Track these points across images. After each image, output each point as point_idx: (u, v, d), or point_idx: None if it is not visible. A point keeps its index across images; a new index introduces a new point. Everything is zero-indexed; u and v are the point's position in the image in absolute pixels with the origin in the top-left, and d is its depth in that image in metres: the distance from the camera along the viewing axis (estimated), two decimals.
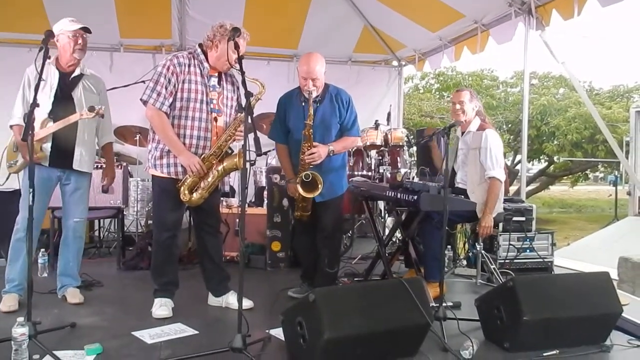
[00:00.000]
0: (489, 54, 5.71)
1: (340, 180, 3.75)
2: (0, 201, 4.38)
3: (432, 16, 5.97)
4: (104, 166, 3.89)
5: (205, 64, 3.29)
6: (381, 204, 5.99)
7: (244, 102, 2.82)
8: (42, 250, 4.23)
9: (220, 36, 3.20)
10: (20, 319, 2.53)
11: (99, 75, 3.75)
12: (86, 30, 3.44)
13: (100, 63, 6.45)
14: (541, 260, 4.46)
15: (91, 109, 3.31)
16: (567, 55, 5.14)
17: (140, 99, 3.23)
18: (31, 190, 2.70)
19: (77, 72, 3.52)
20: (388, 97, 7.44)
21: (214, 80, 3.32)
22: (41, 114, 3.36)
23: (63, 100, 3.42)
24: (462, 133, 4.07)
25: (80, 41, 3.43)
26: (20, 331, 2.48)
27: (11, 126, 3.46)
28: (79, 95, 3.50)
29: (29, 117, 2.74)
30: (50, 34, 3.17)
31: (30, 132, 2.72)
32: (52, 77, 3.43)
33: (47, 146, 3.41)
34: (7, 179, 3.70)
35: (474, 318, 3.08)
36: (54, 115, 3.37)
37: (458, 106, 3.98)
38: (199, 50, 3.31)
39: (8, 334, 2.51)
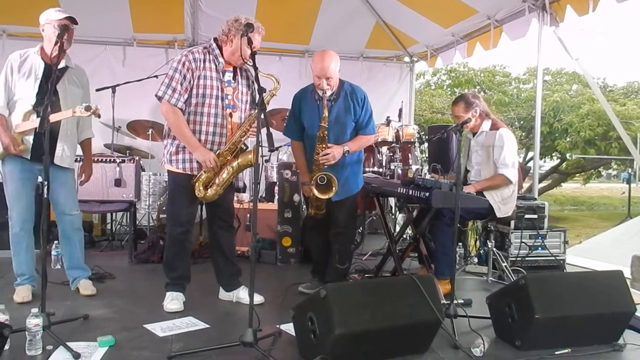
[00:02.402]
0: (502, 50, 5.67)
1: (356, 177, 3.74)
2: None
3: (444, 12, 5.93)
4: (82, 162, 3.75)
5: (220, 59, 3.29)
6: (392, 201, 5.99)
7: (257, 96, 2.82)
8: (56, 242, 4.28)
9: (235, 30, 3.19)
10: (35, 310, 2.57)
11: (82, 68, 3.67)
12: (72, 20, 3.32)
13: (112, 57, 6.53)
14: (553, 258, 4.44)
15: (87, 108, 3.14)
16: (581, 51, 5.08)
17: (156, 95, 3.24)
18: (45, 183, 2.72)
19: (62, 64, 3.39)
20: (399, 94, 7.42)
21: (228, 75, 3.32)
22: (25, 105, 3.32)
23: (49, 93, 3.21)
24: (474, 134, 4.03)
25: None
26: (34, 322, 2.52)
27: None
28: (63, 89, 3.41)
29: (45, 110, 2.75)
30: (65, 28, 3.19)
31: (46, 125, 2.72)
32: (37, 68, 3.35)
33: (29, 139, 3.34)
34: None
35: (485, 316, 3.07)
36: (37, 108, 3.27)
37: (457, 120, 3.94)
38: (214, 45, 3.31)
39: (22, 325, 2.55)
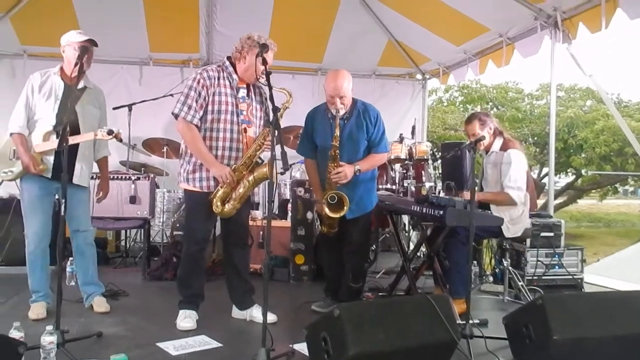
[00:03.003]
0: (514, 66, 5.67)
1: (370, 195, 3.73)
2: None
3: (456, 30, 5.95)
4: (99, 179, 3.80)
5: (234, 76, 3.33)
6: (405, 218, 5.95)
7: (271, 115, 2.84)
8: (70, 259, 4.30)
9: (248, 47, 3.24)
10: (49, 327, 2.58)
11: (100, 88, 3.74)
12: (92, 42, 3.40)
13: (129, 76, 6.63)
14: (571, 277, 4.37)
15: (110, 132, 3.24)
16: (595, 67, 5.05)
17: (172, 113, 3.29)
18: (64, 201, 2.75)
19: (81, 85, 3.46)
20: (412, 111, 7.42)
21: (243, 92, 3.35)
22: (44, 125, 3.37)
23: (67, 113, 3.28)
24: (487, 152, 4.02)
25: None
26: (49, 339, 2.53)
27: (11, 134, 3.41)
28: (82, 109, 3.46)
29: (64, 130, 2.79)
30: (85, 50, 3.26)
31: (64, 143, 2.76)
32: (57, 88, 3.42)
33: (50, 159, 3.39)
34: None
35: (501, 336, 3.02)
36: (57, 128, 3.31)
37: (472, 138, 3.93)
38: (227, 62, 3.36)
39: (37, 342, 2.56)
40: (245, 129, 3.33)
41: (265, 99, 3.47)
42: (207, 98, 3.25)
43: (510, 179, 3.76)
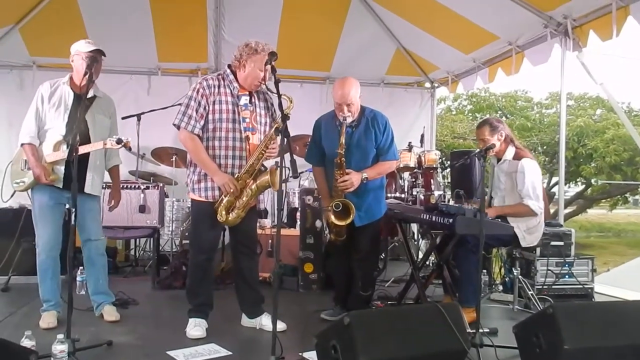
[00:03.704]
0: (523, 75, 5.64)
1: (379, 203, 3.73)
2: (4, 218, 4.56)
3: (465, 38, 5.96)
4: (111, 188, 3.84)
5: (235, 84, 3.34)
6: (414, 227, 5.94)
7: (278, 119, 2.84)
8: (81, 268, 4.32)
9: (247, 55, 3.26)
10: (60, 336, 2.60)
11: (110, 97, 3.77)
12: (100, 52, 3.43)
13: (138, 86, 6.68)
14: (581, 286, 4.33)
15: (119, 141, 3.26)
16: (605, 75, 5.03)
17: (173, 124, 3.31)
18: (74, 210, 2.77)
19: (90, 94, 3.47)
20: (421, 119, 7.41)
21: (245, 99, 3.36)
22: (55, 135, 3.40)
23: (77, 123, 3.30)
24: (498, 161, 4.00)
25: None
26: (60, 348, 2.55)
27: (22, 144, 3.44)
28: (92, 118, 3.50)
29: (73, 139, 2.82)
30: (93, 60, 3.29)
31: (74, 153, 2.79)
32: (66, 98, 3.45)
33: (61, 169, 3.42)
34: (12, 196, 3.71)
35: (512, 345, 2.99)
36: (67, 138, 3.34)
37: (480, 144, 3.91)
38: (228, 71, 3.38)
39: (48, 351, 2.58)
40: (248, 136, 3.33)
41: (272, 104, 3.49)
42: (207, 107, 3.27)
43: (529, 189, 3.73)
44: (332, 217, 3.47)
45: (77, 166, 2.87)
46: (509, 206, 3.82)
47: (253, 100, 3.40)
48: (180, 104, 3.41)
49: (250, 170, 3.28)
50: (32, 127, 3.42)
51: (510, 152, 3.92)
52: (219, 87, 3.31)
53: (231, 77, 3.35)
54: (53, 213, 3.47)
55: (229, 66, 3.39)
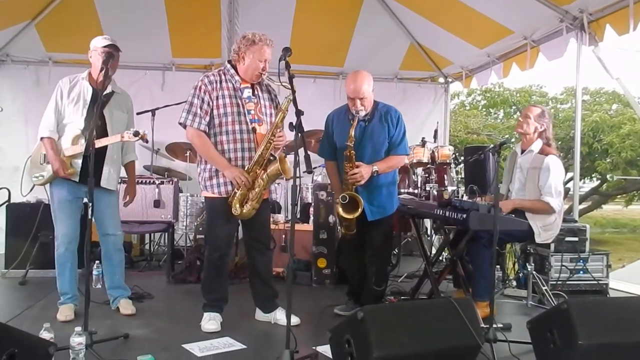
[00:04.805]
0: (538, 70, 5.58)
1: (391, 198, 3.72)
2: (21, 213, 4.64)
3: (479, 33, 5.92)
4: (126, 184, 3.88)
5: (237, 77, 3.36)
6: (427, 222, 5.93)
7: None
8: (97, 262, 4.38)
9: (245, 47, 3.28)
10: (78, 329, 2.64)
11: (128, 93, 3.81)
12: (115, 48, 3.47)
13: (152, 82, 6.73)
14: (595, 282, 4.30)
15: (136, 133, 3.30)
16: (622, 70, 4.97)
17: (179, 122, 3.33)
18: (91, 204, 2.80)
19: (109, 89, 3.53)
20: (434, 114, 7.40)
21: (247, 92, 3.37)
22: (73, 129, 3.44)
23: (94, 118, 3.34)
24: (522, 151, 3.95)
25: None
26: (77, 340, 2.59)
27: (41, 138, 3.48)
28: (109, 113, 3.54)
29: (90, 134, 2.85)
30: (110, 55, 3.33)
31: (92, 147, 2.82)
32: (85, 93, 3.50)
33: (78, 162, 3.46)
34: (31, 190, 3.78)
35: (526, 341, 2.99)
36: (85, 132, 3.39)
37: (521, 119, 3.89)
38: (228, 65, 3.40)
39: (66, 343, 2.62)
40: (254, 128, 3.34)
41: (275, 95, 3.51)
42: (211, 103, 3.29)
43: (551, 186, 3.68)
44: (340, 210, 3.47)
45: (94, 160, 2.89)
46: (529, 200, 3.77)
47: (256, 92, 3.41)
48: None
49: (260, 161, 3.28)
50: (52, 121, 3.47)
51: (537, 145, 3.84)
52: (220, 82, 3.33)
53: (232, 71, 3.37)
54: (71, 207, 3.52)
55: (229, 61, 3.41)
